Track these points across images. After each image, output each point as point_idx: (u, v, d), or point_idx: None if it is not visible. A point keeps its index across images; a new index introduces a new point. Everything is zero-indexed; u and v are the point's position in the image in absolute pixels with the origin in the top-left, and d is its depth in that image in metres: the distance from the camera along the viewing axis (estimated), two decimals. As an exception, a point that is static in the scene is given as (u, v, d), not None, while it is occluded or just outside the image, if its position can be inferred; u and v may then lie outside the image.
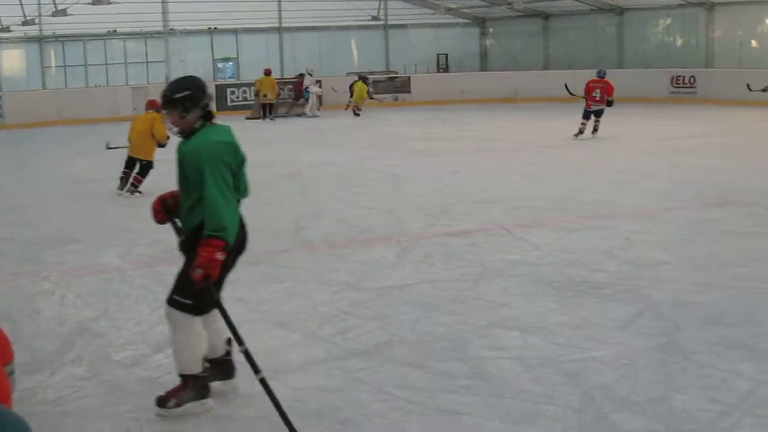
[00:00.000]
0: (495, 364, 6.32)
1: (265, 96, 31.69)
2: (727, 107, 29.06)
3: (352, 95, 32.11)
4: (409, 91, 36.05)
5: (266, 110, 31.61)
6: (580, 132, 22.19)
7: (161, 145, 14.71)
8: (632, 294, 8.06)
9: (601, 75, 22.76)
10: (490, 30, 43.74)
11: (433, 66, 41.33)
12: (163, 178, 10.01)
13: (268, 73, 32.28)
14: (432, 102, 34.98)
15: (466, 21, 43.17)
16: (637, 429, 5.23)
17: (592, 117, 22.31)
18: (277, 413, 5.14)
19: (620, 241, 10.29)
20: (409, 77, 37.19)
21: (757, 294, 8.00)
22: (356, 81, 32.51)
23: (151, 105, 15.22)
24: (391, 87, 36.67)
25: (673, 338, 6.81)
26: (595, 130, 22.31)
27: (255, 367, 5.28)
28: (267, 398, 5.22)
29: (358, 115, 31.20)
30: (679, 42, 36.86)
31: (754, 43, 33.97)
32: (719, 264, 9.11)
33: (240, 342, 5.35)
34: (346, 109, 32.22)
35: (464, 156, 19.38)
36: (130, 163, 15.03)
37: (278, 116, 32.00)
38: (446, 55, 41.94)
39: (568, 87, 24.70)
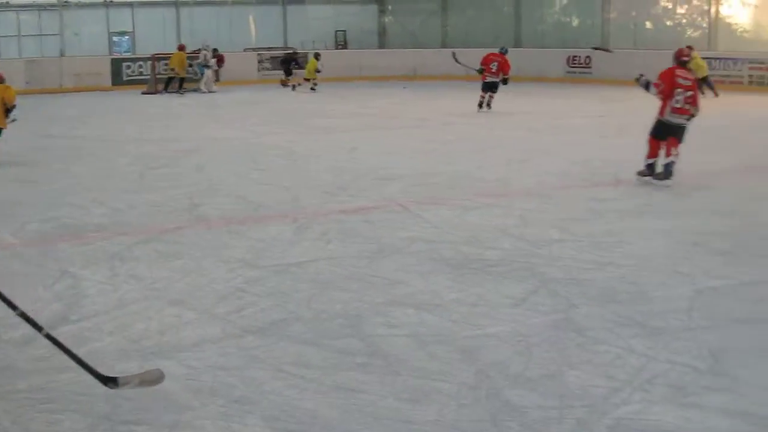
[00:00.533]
0: (391, 341, 6.32)
1: (172, 70, 31.42)
2: (622, 87, 29.45)
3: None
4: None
5: (169, 84, 31.34)
6: (480, 105, 22.40)
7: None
8: (527, 272, 8.12)
9: (503, 51, 23.00)
10: (389, 7, 43.76)
11: (331, 43, 41.23)
12: None
13: (181, 48, 32.08)
14: (331, 79, 34.88)
15: (365, -2, 43.18)
16: (530, 405, 5.27)
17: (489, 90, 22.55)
18: (76, 364, 5.07)
19: (515, 219, 10.37)
20: (306, 53, 37.04)
21: (650, 272, 8.12)
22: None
23: None
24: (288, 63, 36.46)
25: (567, 315, 6.88)
26: (488, 105, 22.52)
27: (36, 325, 5.18)
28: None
29: (314, 89, 31.32)
30: (575, 22, 37.29)
31: (648, 24, 34.51)
32: (613, 242, 9.22)
33: (13, 307, 5.20)
34: (298, 84, 32.24)
35: (363, 133, 19.39)
36: None
37: (174, 91, 31.67)
38: (344, 32, 41.87)
39: (456, 56, 24.85)
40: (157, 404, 5.32)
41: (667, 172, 12.25)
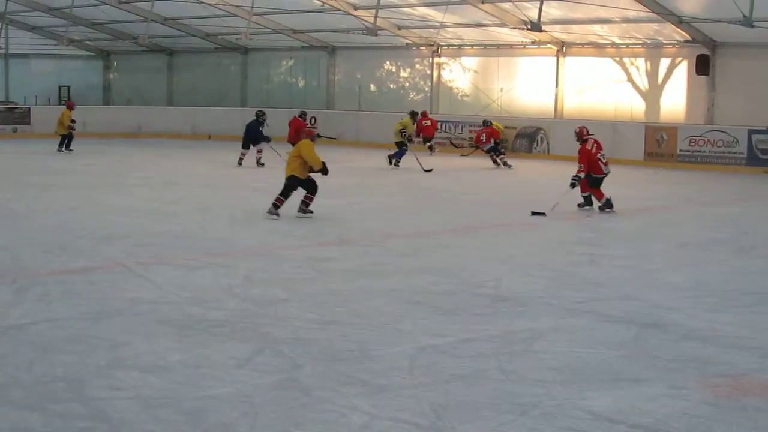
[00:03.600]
0: (114, 404, 6.24)
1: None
2: (347, 148, 30.05)
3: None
4: (29, 123, 34.95)
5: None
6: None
7: None
8: (252, 332, 8.17)
9: (487, 123, 26.98)
10: (115, 63, 43.32)
11: (54, 98, 40.39)
12: None
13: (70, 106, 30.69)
14: (54, 135, 34.10)
15: (90, 53, 42.56)
16: (255, 466, 5.32)
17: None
18: None
19: (240, 279, 10.42)
20: (29, 108, 36.08)
21: (372, 330, 8.31)
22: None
23: None
24: (10, 118, 35.38)
25: (292, 375, 6.96)
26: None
27: None
28: None
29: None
30: (301, 83, 37.85)
31: (372, 87, 35.40)
32: (336, 301, 9.40)
33: None
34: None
35: (84, 191, 19.04)
36: None
37: None
38: (68, 87, 41.12)
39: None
40: None
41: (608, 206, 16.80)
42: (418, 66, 34.49)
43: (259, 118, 24.73)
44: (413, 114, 27.53)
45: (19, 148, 30.69)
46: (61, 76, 41.46)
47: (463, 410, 6.26)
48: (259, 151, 24.48)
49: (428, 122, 29.50)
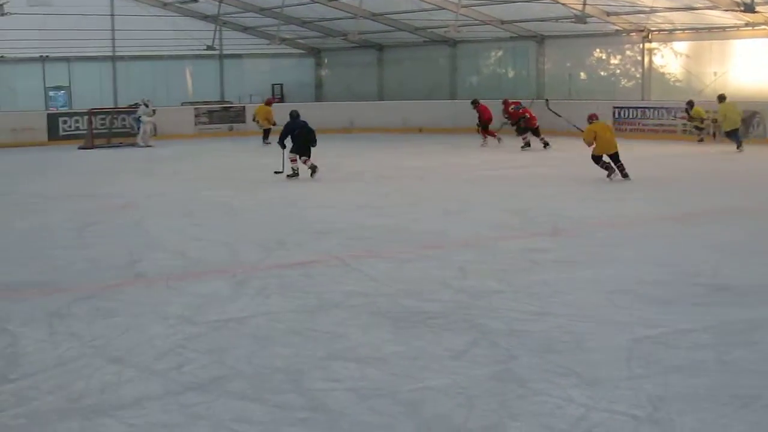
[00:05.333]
0: (332, 396, 6.33)
1: (258, 122, 31.55)
2: (557, 137, 29.76)
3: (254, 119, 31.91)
4: (243, 121, 35.83)
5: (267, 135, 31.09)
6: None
7: None
8: (467, 323, 8.17)
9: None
10: (326, 60, 43.91)
11: (268, 96, 41.28)
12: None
13: (268, 103, 32.44)
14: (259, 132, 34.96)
15: (302, 51, 43.24)
16: (472, 458, 5.31)
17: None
18: None
19: (454, 271, 10.44)
20: (243, 107, 36.95)
21: (587, 321, 8.20)
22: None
23: None
24: (225, 117, 36.41)
25: (507, 366, 6.93)
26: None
27: None
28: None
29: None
30: (510, 73, 37.65)
31: (582, 75, 34.94)
32: (550, 292, 9.31)
33: None
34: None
35: (300, 186, 19.39)
36: None
37: (112, 146, 31.56)
38: (281, 85, 41.92)
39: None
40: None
41: None
42: (628, 52, 33.79)
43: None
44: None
45: (235, 146, 31.48)
46: (274, 75, 42.23)
47: (681, 402, 6.12)
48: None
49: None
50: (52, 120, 33.50)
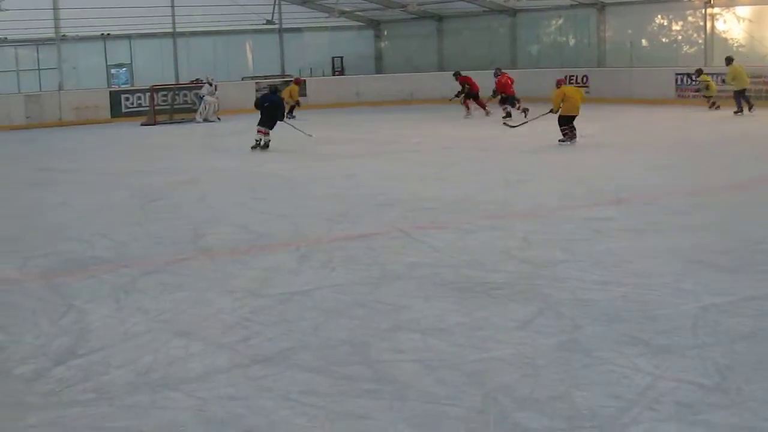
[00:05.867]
0: (398, 367, 6.35)
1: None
2: (619, 105, 29.56)
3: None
4: (304, 95, 35.93)
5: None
6: None
7: None
8: (531, 293, 8.16)
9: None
10: (385, 32, 43.88)
11: (328, 69, 41.33)
12: None
13: (297, 82, 32.75)
14: (327, 105, 34.98)
15: (361, 24, 43.25)
16: (539, 427, 5.30)
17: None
18: None
19: (517, 241, 10.41)
20: (304, 80, 37.09)
21: (652, 290, 8.14)
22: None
23: None
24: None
25: (573, 336, 6.91)
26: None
27: None
28: None
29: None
30: (571, 42, 37.38)
31: (644, 42, 34.59)
32: (615, 261, 9.27)
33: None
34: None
35: (361, 159, 19.43)
36: None
37: (174, 122, 31.81)
38: (341, 57, 41.95)
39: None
40: (167, 436, 5.37)
41: None
42: (690, 18, 33.39)
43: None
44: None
45: (297, 119, 31.55)
46: (334, 48, 42.28)
47: (748, 370, 6.07)
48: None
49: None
50: (115, 97, 33.83)
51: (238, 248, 10.63)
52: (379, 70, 42.67)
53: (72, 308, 8.21)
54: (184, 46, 38.50)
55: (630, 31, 34.81)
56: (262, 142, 21.89)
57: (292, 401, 5.80)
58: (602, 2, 34.78)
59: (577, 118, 20.47)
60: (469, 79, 29.65)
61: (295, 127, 23.07)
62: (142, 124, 31.35)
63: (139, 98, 33.91)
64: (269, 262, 9.82)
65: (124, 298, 8.53)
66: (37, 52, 36.68)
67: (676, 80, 30.71)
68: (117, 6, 33.44)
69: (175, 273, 9.50)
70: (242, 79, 37.42)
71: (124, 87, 36.41)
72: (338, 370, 6.32)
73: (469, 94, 29.26)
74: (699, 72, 28.80)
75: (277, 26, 39.70)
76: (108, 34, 37.01)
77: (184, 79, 36.03)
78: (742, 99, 26.21)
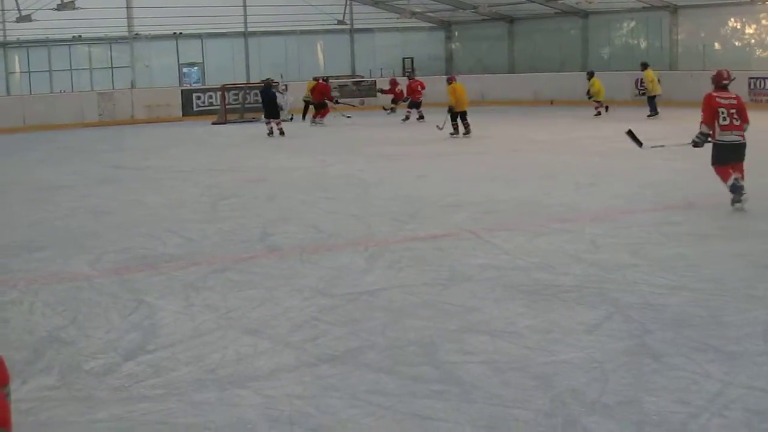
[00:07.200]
0: (465, 368, 6.35)
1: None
2: (691, 109, 29.24)
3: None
4: (375, 96, 36.00)
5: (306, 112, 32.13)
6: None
7: None
8: (600, 297, 8.11)
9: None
10: (456, 33, 43.85)
11: (398, 70, 41.38)
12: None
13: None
14: (397, 106, 35.03)
15: (432, 25, 43.25)
16: (607, 432, 5.28)
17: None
18: None
19: (586, 245, 10.35)
20: (374, 81, 37.16)
21: (722, 296, 8.06)
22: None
23: None
24: (357, 91, 36.69)
25: (642, 341, 6.86)
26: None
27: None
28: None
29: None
30: (643, 44, 37.10)
31: (717, 45, 34.23)
32: (685, 266, 9.18)
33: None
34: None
35: (430, 160, 19.44)
36: None
37: (245, 121, 32.04)
38: (412, 58, 41.99)
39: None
40: (235, 433, 5.41)
41: (733, 192, 12.25)
42: (764, 21, 32.99)
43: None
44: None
45: (367, 119, 31.62)
46: (405, 49, 42.34)
47: (823, 378, 5.99)
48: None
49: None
50: (186, 96, 34.21)
51: (306, 247, 10.67)
52: (449, 72, 42.63)
53: (142, 304, 8.31)
54: (255, 46, 38.82)
55: (703, 34, 34.49)
56: (274, 131, 26.46)
57: (359, 401, 5.81)
58: (675, 5, 34.48)
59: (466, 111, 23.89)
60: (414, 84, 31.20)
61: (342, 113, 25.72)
62: (212, 123, 31.63)
63: (210, 97, 34.24)
64: (337, 262, 9.85)
65: (193, 295, 8.61)
66: (111, 51, 37.19)
67: (749, 84, 30.32)
68: (189, 5, 33.75)
69: (244, 271, 9.56)
70: (313, 79, 37.58)
71: (195, 86, 36.77)
72: (405, 371, 6.33)
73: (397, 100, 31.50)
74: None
75: (348, 26, 39.88)
76: (180, 33, 37.40)
77: (255, 78, 36.28)
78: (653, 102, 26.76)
